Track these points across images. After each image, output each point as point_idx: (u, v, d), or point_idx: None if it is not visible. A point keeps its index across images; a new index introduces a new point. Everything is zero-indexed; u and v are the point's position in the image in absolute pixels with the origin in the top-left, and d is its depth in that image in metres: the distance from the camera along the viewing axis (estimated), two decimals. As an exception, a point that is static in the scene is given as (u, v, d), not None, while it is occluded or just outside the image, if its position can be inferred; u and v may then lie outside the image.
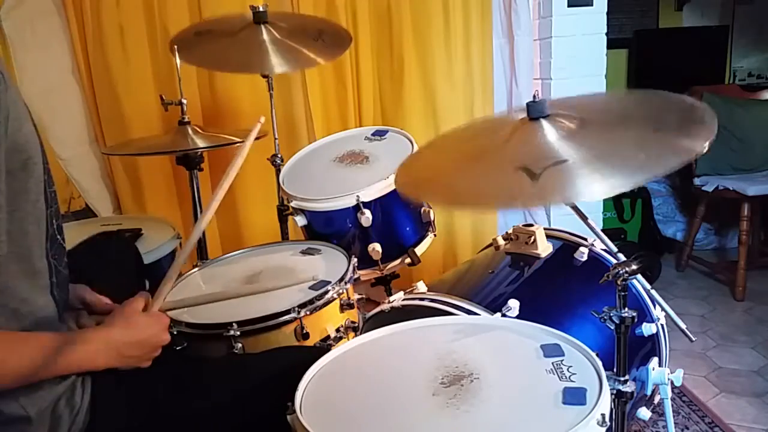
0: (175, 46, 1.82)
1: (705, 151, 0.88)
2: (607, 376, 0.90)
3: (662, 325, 1.48)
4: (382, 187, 1.66)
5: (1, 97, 0.80)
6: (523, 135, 1.02)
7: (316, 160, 1.90)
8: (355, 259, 1.54)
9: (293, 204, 1.73)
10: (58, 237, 0.96)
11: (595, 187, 0.87)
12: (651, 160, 0.90)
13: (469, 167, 1.08)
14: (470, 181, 1.04)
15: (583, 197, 0.87)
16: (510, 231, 1.61)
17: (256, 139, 2.02)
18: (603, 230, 1.10)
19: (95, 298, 1.10)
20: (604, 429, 0.81)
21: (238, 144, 1.92)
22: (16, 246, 0.85)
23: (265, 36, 1.91)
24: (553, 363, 0.96)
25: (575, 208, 1.04)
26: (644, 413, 1.41)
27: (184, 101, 1.88)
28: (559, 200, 0.94)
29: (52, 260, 0.93)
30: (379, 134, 1.92)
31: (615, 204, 3.35)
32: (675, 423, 1.92)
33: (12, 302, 0.87)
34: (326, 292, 1.37)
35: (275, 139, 2.12)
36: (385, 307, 1.36)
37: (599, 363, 0.93)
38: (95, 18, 2.30)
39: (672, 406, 1.79)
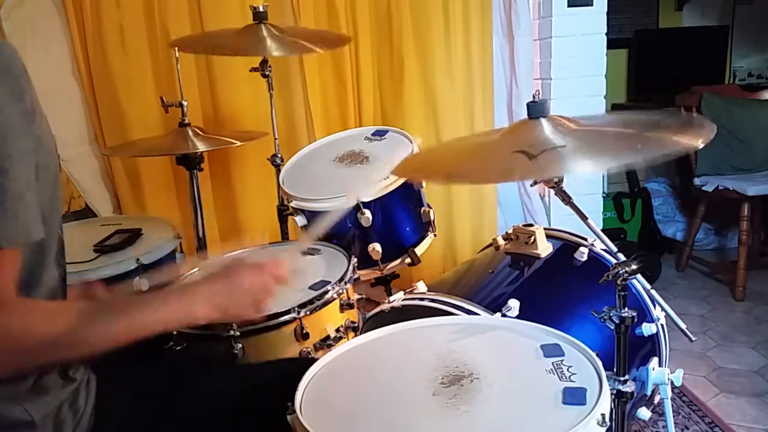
0: (176, 48, 1.82)
1: (700, 147, 0.90)
2: (607, 376, 0.90)
3: (662, 325, 1.48)
4: (382, 187, 1.66)
5: (27, 87, 0.80)
6: (522, 131, 1.03)
7: (316, 160, 1.90)
8: (355, 259, 1.54)
9: (293, 204, 1.73)
10: (59, 232, 0.96)
11: (589, 163, 0.91)
12: (646, 148, 0.92)
13: (470, 155, 1.10)
14: (469, 162, 1.06)
15: (578, 170, 0.90)
16: (510, 231, 1.61)
17: (254, 139, 2.04)
18: (603, 230, 1.10)
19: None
20: (604, 429, 0.81)
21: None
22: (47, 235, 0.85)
23: (265, 32, 1.91)
24: (553, 363, 0.96)
25: (575, 208, 1.04)
26: (644, 413, 1.41)
27: (185, 103, 1.88)
28: (555, 173, 0.96)
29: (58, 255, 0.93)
30: (379, 134, 1.92)
31: (615, 204, 3.35)
32: (675, 423, 1.91)
33: (44, 293, 0.87)
34: (326, 292, 1.37)
35: (275, 139, 2.12)
36: (385, 307, 1.36)
37: (599, 363, 0.93)
38: (95, 18, 2.30)
39: (672, 406, 1.78)
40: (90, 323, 0.81)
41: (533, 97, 1.03)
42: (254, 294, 0.94)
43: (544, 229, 1.59)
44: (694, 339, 1.17)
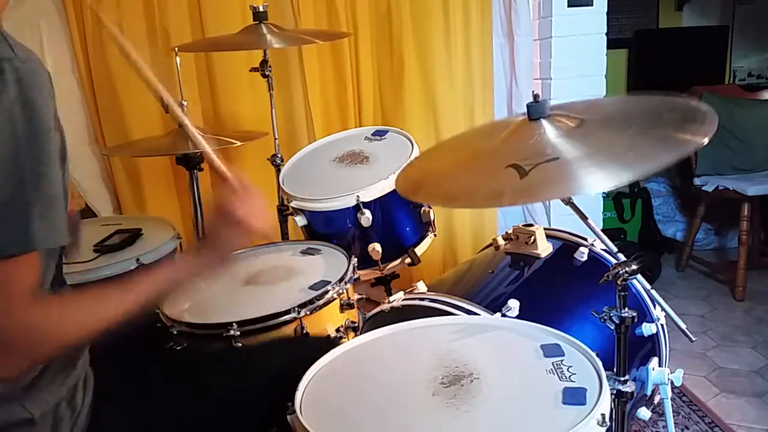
0: (176, 49, 1.82)
1: (704, 143, 0.89)
2: (607, 376, 0.90)
3: (662, 325, 1.47)
4: (382, 187, 1.66)
5: (45, 81, 0.80)
6: (522, 134, 1.03)
7: (316, 160, 1.90)
8: (355, 259, 1.54)
9: (293, 204, 1.73)
10: None
11: (583, 182, 0.88)
12: (640, 158, 0.91)
13: (467, 167, 1.09)
14: (464, 180, 1.05)
15: (570, 193, 0.89)
16: (510, 231, 1.61)
17: (254, 139, 2.04)
18: (603, 230, 1.10)
19: None
20: (604, 429, 0.81)
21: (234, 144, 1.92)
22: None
23: (265, 30, 1.91)
24: (553, 363, 0.96)
25: (575, 208, 1.04)
26: (644, 413, 1.41)
27: (185, 103, 1.88)
28: (544, 197, 0.95)
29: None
30: (379, 134, 1.92)
31: (615, 204, 3.35)
32: (675, 423, 1.91)
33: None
34: (326, 292, 1.37)
35: (275, 139, 2.12)
36: (385, 307, 1.36)
37: (599, 363, 0.93)
38: (95, 18, 2.30)
39: (672, 406, 1.78)
40: (99, 314, 0.82)
41: (534, 98, 1.03)
42: (242, 225, 0.99)
43: (544, 229, 1.59)
44: (694, 339, 1.17)
